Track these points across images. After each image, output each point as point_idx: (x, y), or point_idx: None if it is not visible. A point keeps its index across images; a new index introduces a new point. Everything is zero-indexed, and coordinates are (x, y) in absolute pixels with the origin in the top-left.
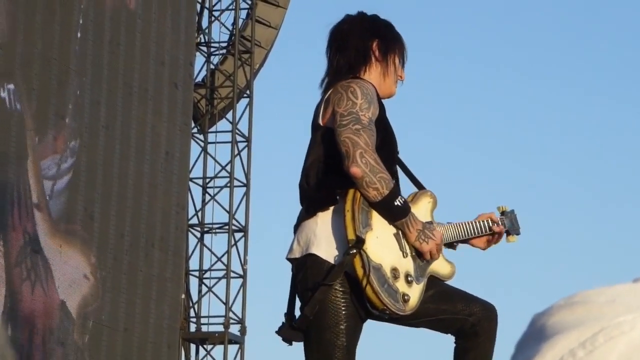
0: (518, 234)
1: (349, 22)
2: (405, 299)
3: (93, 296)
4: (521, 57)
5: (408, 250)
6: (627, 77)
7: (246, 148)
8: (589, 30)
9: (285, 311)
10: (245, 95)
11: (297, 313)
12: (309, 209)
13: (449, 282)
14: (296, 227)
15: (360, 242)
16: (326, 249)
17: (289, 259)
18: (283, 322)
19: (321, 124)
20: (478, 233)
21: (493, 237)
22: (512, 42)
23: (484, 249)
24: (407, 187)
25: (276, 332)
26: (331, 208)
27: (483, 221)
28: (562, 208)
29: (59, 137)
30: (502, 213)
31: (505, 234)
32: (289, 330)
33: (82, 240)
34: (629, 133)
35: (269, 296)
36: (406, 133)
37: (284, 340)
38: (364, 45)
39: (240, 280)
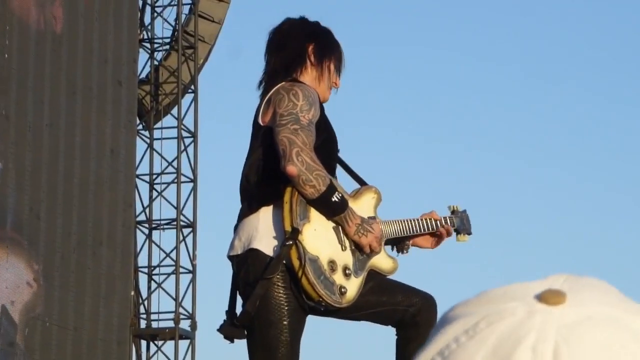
0: (469, 233)
1: (289, 24)
2: (342, 291)
3: (37, 302)
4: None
5: (347, 244)
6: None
7: (192, 143)
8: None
9: (227, 309)
10: (190, 90)
11: (239, 310)
12: (252, 205)
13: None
14: (237, 226)
15: (295, 232)
16: (267, 243)
17: (230, 257)
18: (224, 320)
19: (261, 124)
20: (421, 231)
21: (439, 236)
22: (453, 32)
23: (432, 248)
24: (349, 185)
25: (217, 330)
26: (273, 204)
27: (427, 219)
28: (518, 204)
29: None
30: (453, 212)
31: (455, 233)
32: (230, 328)
33: (21, 245)
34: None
35: (218, 291)
36: (354, 128)
37: (225, 337)
38: (301, 48)
39: (190, 275)
